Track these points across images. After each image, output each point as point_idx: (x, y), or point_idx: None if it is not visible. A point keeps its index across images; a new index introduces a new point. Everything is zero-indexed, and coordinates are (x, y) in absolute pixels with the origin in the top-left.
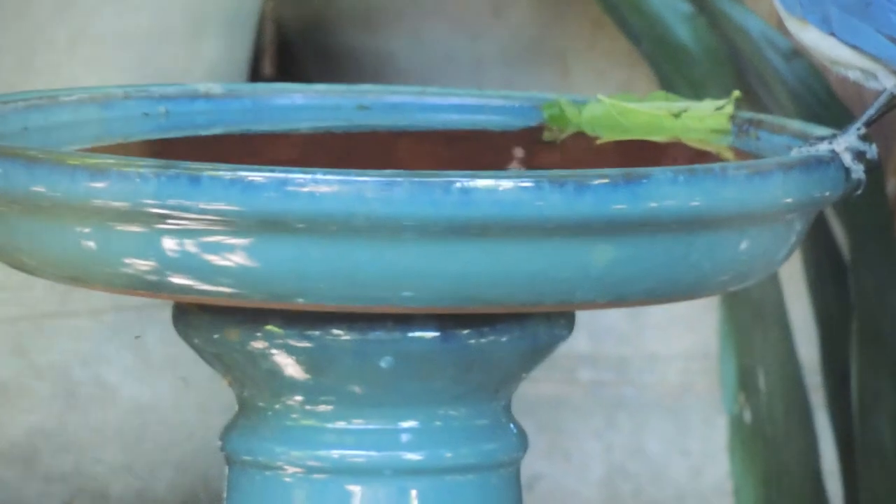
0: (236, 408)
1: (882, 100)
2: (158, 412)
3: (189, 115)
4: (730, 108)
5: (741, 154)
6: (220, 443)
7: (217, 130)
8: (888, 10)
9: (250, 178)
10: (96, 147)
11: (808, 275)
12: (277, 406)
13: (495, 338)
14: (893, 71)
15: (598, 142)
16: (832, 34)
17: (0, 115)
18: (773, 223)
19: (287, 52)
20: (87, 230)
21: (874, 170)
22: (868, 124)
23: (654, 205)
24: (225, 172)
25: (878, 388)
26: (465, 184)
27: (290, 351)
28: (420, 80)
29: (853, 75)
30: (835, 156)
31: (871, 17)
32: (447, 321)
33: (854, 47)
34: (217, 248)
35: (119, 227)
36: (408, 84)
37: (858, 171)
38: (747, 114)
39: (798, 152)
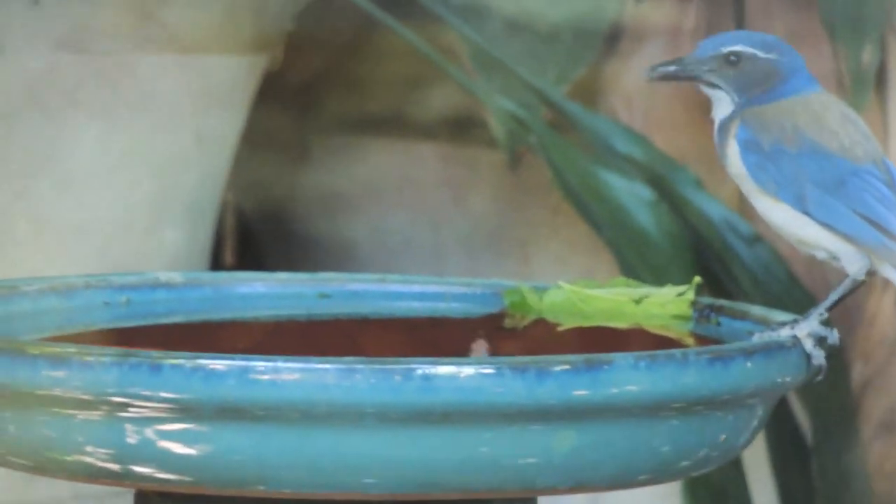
0: None
1: (845, 285)
2: None
3: (150, 304)
4: (691, 294)
5: (703, 340)
6: None
7: (178, 319)
8: (863, 189)
9: (211, 367)
10: (57, 336)
11: (772, 459)
12: None
13: None
14: (867, 250)
15: (560, 328)
16: (806, 213)
17: None
18: (736, 408)
19: (248, 241)
20: (47, 419)
21: (836, 355)
22: (829, 309)
23: (615, 391)
24: (185, 361)
25: None
26: (427, 371)
27: None
28: (381, 268)
29: (820, 255)
30: (796, 342)
31: (847, 196)
32: None
33: (827, 226)
34: (178, 437)
35: (80, 416)
36: (369, 272)
37: (820, 356)
38: (708, 299)
39: (759, 338)
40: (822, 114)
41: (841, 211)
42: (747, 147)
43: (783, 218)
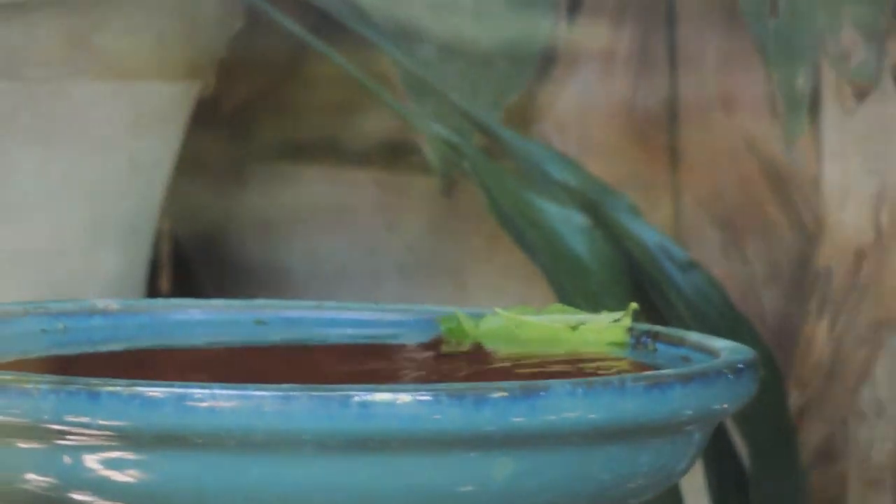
0: None
1: None
2: None
3: (87, 331)
4: (627, 321)
5: (639, 366)
6: None
7: (115, 346)
8: None
9: (148, 394)
10: None
11: (710, 486)
12: None
13: None
14: None
15: (496, 355)
16: None
17: None
18: (674, 435)
19: (184, 268)
20: None
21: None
22: None
23: (552, 418)
24: (123, 388)
25: None
26: (364, 398)
27: None
28: (317, 295)
29: None
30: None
31: None
32: None
33: None
34: (116, 464)
35: (18, 444)
36: (305, 298)
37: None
38: (645, 326)
39: (696, 364)
40: None
41: None
42: None
43: None
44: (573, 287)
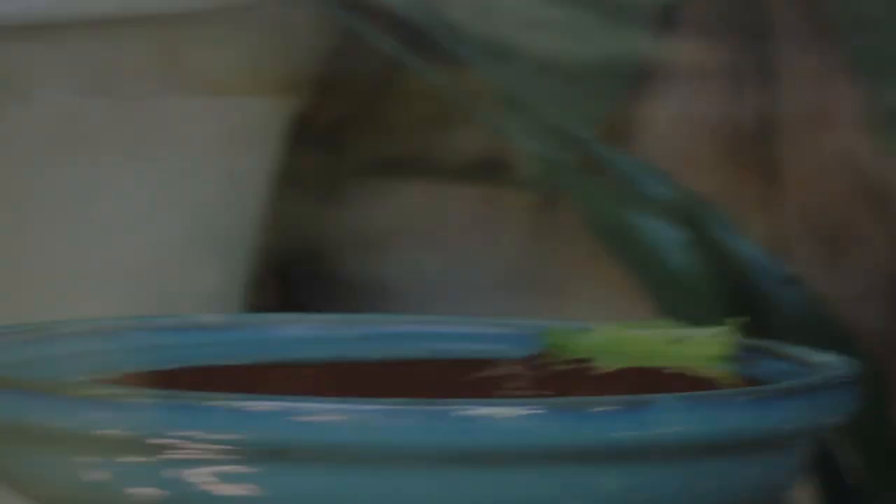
0: None
1: None
2: None
3: (189, 347)
4: (730, 335)
5: (742, 381)
6: None
7: (220, 361)
8: None
9: (254, 408)
10: (98, 378)
11: (819, 501)
12: None
13: None
14: None
15: (600, 370)
16: None
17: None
18: (777, 450)
19: (285, 283)
20: (89, 461)
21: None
22: None
23: (657, 432)
24: (229, 402)
25: None
26: (467, 412)
27: None
28: (416, 309)
29: None
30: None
31: None
32: None
33: None
34: (221, 479)
35: (121, 459)
36: (404, 313)
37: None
38: (747, 340)
39: (799, 379)
40: None
41: None
42: None
43: None
44: (673, 302)
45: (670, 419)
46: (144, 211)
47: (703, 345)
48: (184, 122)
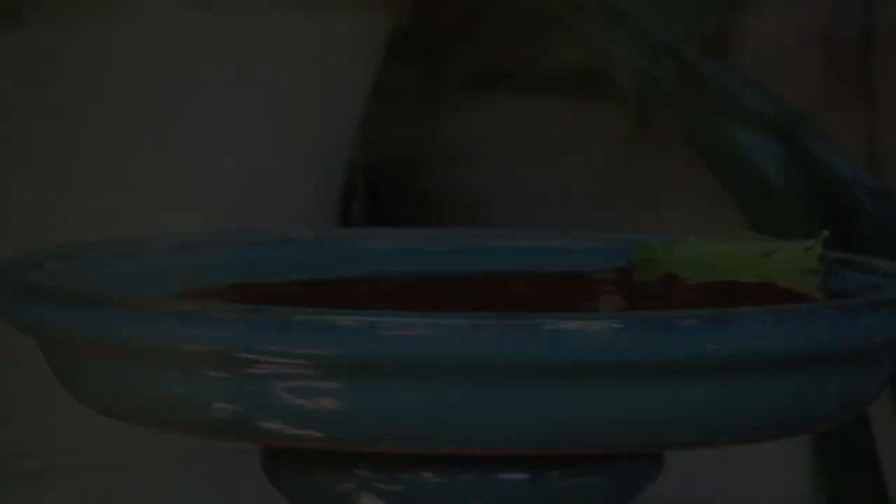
0: None
1: None
2: None
3: (277, 260)
4: (819, 249)
5: (830, 294)
6: None
7: (306, 275)
8: None
9: (340, 322)
10: (185, 293)
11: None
12: None
13: (584, 479)
14: None
15: (688, 283)
16: None
17: (89, 261)
18: (864, 363)
19: (377, 197)
20: (175, 375)
21: None
22: None
23: (744, 345)
24: (314, 317)
25: None
26: (554, 326)
27: (380, 495)
28: (509, 223)
29: None
30: None
31: None
32: (536, 463)
33: None
34: (306, 393)
35: (208, 373)
36: (497, 227)
37: None
38: (836, 254)
39: (886, 292)
40: None
41: None
42: None
43: None
44: (765, 214)
45: (757, 332)
46: (239, 125)
47: (793, 258)
48: (283, 36)
